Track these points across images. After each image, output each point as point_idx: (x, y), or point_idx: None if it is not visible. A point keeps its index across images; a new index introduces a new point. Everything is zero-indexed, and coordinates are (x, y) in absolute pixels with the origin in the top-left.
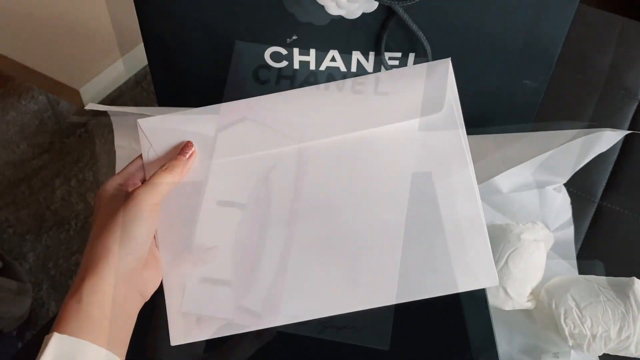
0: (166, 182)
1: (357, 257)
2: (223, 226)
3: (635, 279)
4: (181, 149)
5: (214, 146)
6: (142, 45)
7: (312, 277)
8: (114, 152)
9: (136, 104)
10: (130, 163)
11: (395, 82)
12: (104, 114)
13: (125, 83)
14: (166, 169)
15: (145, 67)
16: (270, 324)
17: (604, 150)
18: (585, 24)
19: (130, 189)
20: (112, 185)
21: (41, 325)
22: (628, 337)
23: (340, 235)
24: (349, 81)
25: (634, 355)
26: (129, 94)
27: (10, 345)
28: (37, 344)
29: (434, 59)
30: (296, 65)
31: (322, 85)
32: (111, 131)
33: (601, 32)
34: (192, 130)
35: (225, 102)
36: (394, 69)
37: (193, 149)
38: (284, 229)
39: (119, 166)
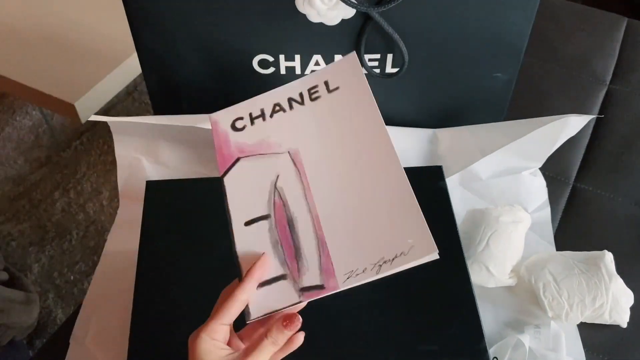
0: (270, 351)
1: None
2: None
3: (605, 251)
4: (288, 321)
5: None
6: (132, 57)
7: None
8: (110, 162)
9: (128, 114)
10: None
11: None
12: (98, 126)
13: (117, 95)
14: (273, 342)
15: (135, 78)
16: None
17: (572, 134)
18: (551, 15)
19: (222, 341)
20: (206, 342)
21: (51, 333)
22: (602, 305)
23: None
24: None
25: (609, 322)
26: (121, 104)
27: (22, 353)
28: (48, 352)
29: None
30: (283, 71)
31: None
32: (105, 142)
33: (568, 21)
34: None
35: None
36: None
37: (299, 324)
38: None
39: (120, 174)
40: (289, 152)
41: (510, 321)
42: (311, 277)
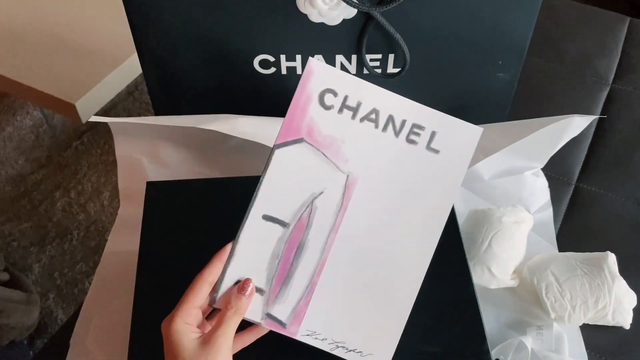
0: (235, 322)
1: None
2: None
3: (608, 253)
4: (240, 286)
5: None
6: (132, 57)
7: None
8: (111, 161)
9: (129, 114)
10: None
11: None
12: (99, 126)
13: (118, 95)
14: (235, 312)
15: (136, 78)
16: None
17: (575, 134)
18: (554, 14)
19: (195, 325)
20: (179, 325)
21: (51, 333)
22: (604, 307)
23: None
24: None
25: (612, 323)
26: (121, 104)
27: (22, 354)
28: (49, 352)
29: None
30: (284, 71)
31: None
32: (106, 142)
33: (571, 21)
34: None
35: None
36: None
37: (252, 286)
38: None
39: (120, 175)
40: (348, 175)
41: (513, 322)
42: (282, 310)
